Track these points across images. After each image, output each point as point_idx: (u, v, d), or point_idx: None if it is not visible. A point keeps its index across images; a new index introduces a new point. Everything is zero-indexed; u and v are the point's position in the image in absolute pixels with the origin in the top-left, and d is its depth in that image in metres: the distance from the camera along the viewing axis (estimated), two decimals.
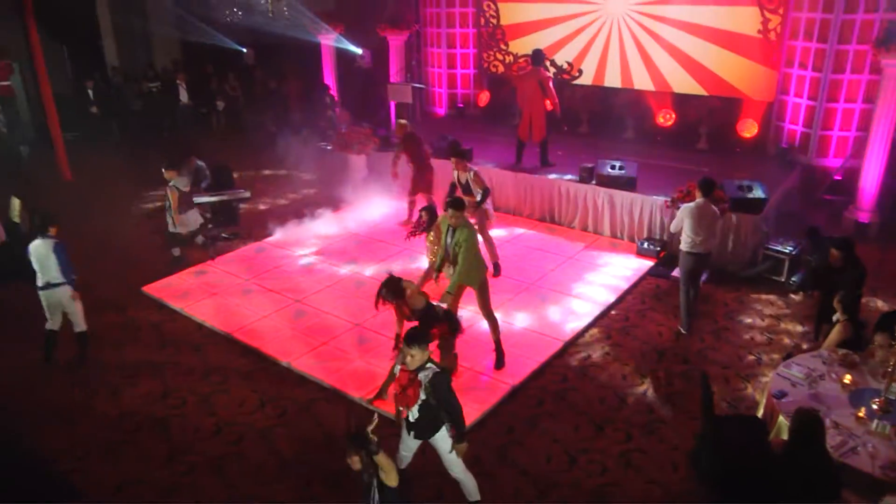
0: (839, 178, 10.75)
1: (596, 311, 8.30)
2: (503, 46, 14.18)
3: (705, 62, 11.74)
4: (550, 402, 6.73)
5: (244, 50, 17.89)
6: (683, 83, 12.08)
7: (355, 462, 4.13)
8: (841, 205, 10.53)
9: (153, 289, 9.12)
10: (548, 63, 12.91)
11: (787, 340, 7.72)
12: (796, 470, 4.38)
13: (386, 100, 14.32)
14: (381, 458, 4.13)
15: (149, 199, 12.50)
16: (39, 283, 7.13)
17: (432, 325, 6.12)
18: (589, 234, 10.51)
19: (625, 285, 8.96)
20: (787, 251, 8.92)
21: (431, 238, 8.09)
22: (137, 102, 17.06)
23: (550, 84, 10.90)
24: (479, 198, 8.74)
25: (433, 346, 5.82)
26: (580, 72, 13.18)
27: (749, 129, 11.70)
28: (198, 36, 17.13)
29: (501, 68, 14.36)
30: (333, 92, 15.66)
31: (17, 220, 10.07)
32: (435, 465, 5.28)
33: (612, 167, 10.22)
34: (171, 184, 9.31)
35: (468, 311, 7.74)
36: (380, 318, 7.64)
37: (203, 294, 8.93)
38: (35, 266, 7.08)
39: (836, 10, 10.21)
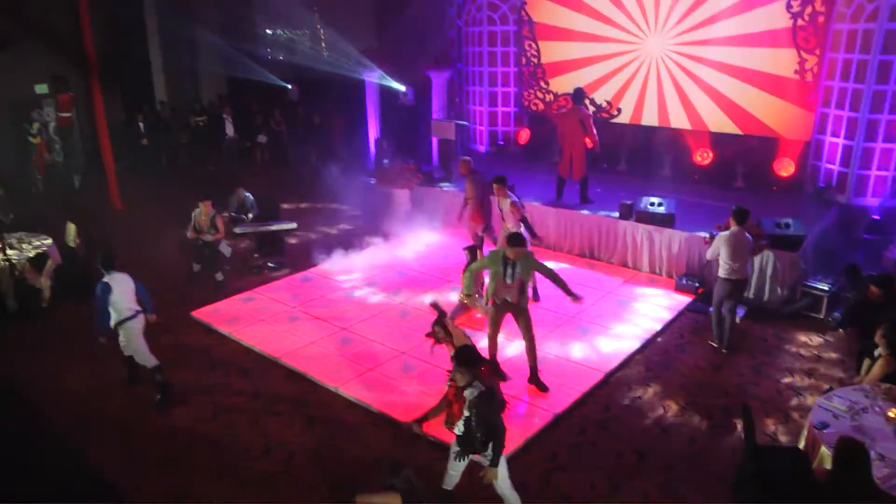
0: (877, 217, 10.78)
1: (636, 345, 8.42)
2: (543, 85, 14.49)
3: (741, 102, 11.89)
4: (593, 431, 6.84)
5: (289, 86, 18.44)
6: (720, 122, 12.23)
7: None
8: (880, 244, 10.53)
9: (202, 313, 9.42)
10: (587, 101, 13.14)
11: (827, 374, 7.77)
12: (841, 497, 4.44)
13: (428, 136, 14.64)
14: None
15: None
16: (113, 322, 7.12)
17: (479, 363, 6.27)
18: (628, 270, 10.65)
19: (664, 320, 9.07)
20: (825, 288, 8.98)
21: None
22: (185, 135, 17.68)
23: (591, 122, 11.12)
24: (513, 228, 8.64)
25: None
26: (619, 110, 13.39)
27: (786, 168, 11.77)
28: (244, 72, 17.73)
29: (542, 106, 14.65)
30: (377, 129, 15.93)
31: (72, 244, 10.54)
32: (484, 489, 5.38)
33: (652, 203, 10.38)
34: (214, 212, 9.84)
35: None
36: (424, 346, 7.78)
37: (251, 320, 9.20)
38: (114, 301, 7.03)
39: (873, 51, 10.34)
